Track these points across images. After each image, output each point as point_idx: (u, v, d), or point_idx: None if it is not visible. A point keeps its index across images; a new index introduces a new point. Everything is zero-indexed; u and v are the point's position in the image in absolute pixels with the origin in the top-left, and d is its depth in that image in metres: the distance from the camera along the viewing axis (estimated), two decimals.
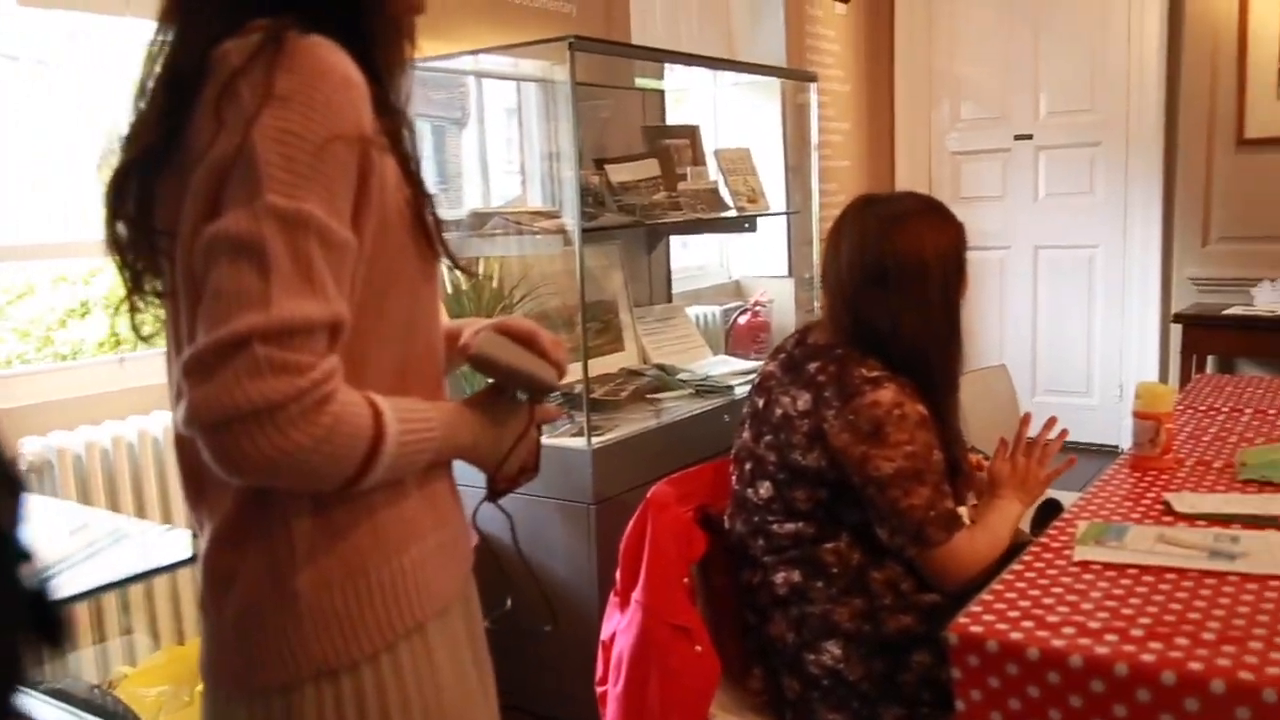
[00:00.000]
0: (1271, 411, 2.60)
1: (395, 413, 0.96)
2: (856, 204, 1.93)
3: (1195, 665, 1.26)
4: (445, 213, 2.99)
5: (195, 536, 1.07)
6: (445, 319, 1.22)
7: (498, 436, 1.14)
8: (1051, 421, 1.99)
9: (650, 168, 3.31)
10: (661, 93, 3.71)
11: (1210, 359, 4.57)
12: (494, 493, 1.20)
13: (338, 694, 0.98)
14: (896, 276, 1.79)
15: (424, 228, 1.02)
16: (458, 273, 2.73)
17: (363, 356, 0.98)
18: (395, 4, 1.04)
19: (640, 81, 3.58)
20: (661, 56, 3.35)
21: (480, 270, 2.91)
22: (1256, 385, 2.93)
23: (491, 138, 3.39)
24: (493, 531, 1.26)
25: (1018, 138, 5.13)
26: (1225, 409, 2.64)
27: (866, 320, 1.80)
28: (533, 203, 3.36)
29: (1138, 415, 2.13)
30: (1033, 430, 1.98)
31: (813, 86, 3.67)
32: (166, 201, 0.95)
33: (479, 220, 2.86)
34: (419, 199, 1.01)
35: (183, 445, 1.02)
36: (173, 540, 1.84)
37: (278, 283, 0.86)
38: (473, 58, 3.01)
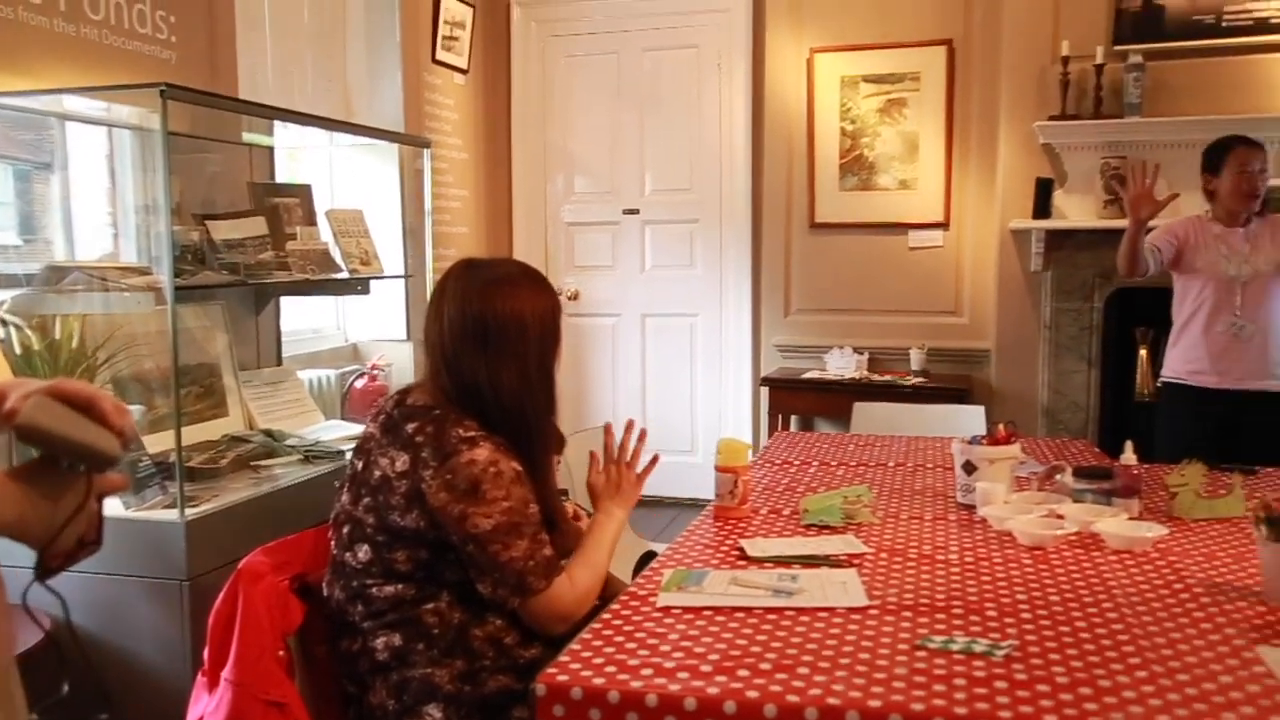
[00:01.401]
0: (833, 463, 2.93)
1: None
2: (458, 267, 1.97)
3: (752, 694, 1.39)
4: (19, 265, 2.73)
5: None
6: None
7: (50, 511, 1.05)
8: (630, 424, 2.14)
9: (257, 225, 3.19)
10: (271, 149, 3.61)
11: (794, 418, 5.07)
12: (46, 571, 1.10)
13: None
14: (497, 336, 1.85)
15: None
16: (28, 331, 2.49)
17: None
18: None
19: (249, 136, 3.46)
20: (261, 111, 3.25)
21: (57, 330, 2.65)
22: (824, 440, 3.29)
23: (83, 186, 3.13)
24: (59, 614, 1.14)
25: (626, 212, 5.47)
26: (797, 462, 2.94)
27: (467, 379, 1.84)
28: (126, 257, 3.13)
29: (718, 469, 2.33)
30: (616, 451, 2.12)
31: (426, 153, 3.72)
32: None
33: (56, 275, 2.62)
34: None
35: None
36: None
37: None
38: (56, 97, 2.77)
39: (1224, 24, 4.30)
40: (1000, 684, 1.41)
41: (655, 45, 5.32)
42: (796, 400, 4.95)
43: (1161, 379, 3.60)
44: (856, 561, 1.99)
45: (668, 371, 5.50)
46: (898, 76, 4.92)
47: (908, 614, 1.69)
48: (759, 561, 2.00)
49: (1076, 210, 4.54)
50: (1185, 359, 3.46)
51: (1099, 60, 4.39)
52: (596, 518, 2.03)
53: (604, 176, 5.50)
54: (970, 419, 3.60)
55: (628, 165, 5.45)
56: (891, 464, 2.91)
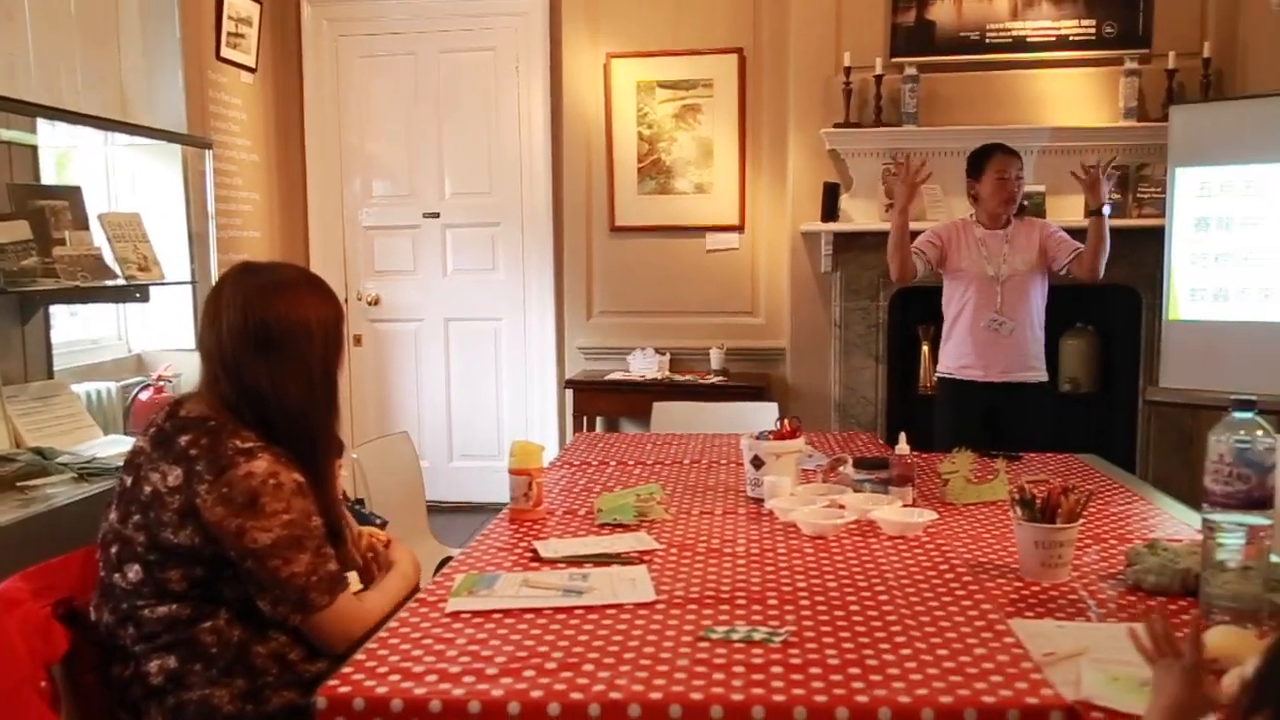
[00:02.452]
0: (630, 462, 2.98)
1: None
2: (235, 271, 1.90)
3: (536, 693, 1.40)
4: None
5: None
6: None
7: None
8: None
9: (19, 230, 2.99)
10: (34, 148, 3.38)
11: (600, 419, 5.12)
12: None
13: None
14: (281, 341, 1.79)
15: None
16: None
17: None
18: None
19: (6, 134, 3.23)
20: (17, 107, 3.04)
21: None
22: (623, 440, 3.34)
23: None
24: None
25: (426, 215, 5.39)
26: (595, 462, 2.98)
27: (249, 386, 1.78)
28: None
29: (512, 472, 2.33)
30: None
31: (208, 154, 3.57)
32: None
33: None
34: None
35: None
36: None
37: None
38: None
39: (987, 41, 4.61)
40: (776, 669, 1.47)
41: (452, 47, 5.26)
42: (600, 402, 5.00)
43: (937, 374, 3.83)
44: (647, 558, 2.03)
45: (472, 376, 5.45)
46: (692, 83, 5.05)
47: (693, 606, 1.74)
48: (551, 562, 2.01)
49: (861, 213, 4.77)
50: (954, 355, 3.69)
51: (878, 71, 4.63)
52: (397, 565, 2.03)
53: (403, 180, 5.40)
54: (764, 415, 3.72)
55: (427, 168, 5.37)
56: (687, 461, 2.98)
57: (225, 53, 4.63)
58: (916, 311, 4.81)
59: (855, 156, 4.76)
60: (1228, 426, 1.82)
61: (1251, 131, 3.81)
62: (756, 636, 1.59)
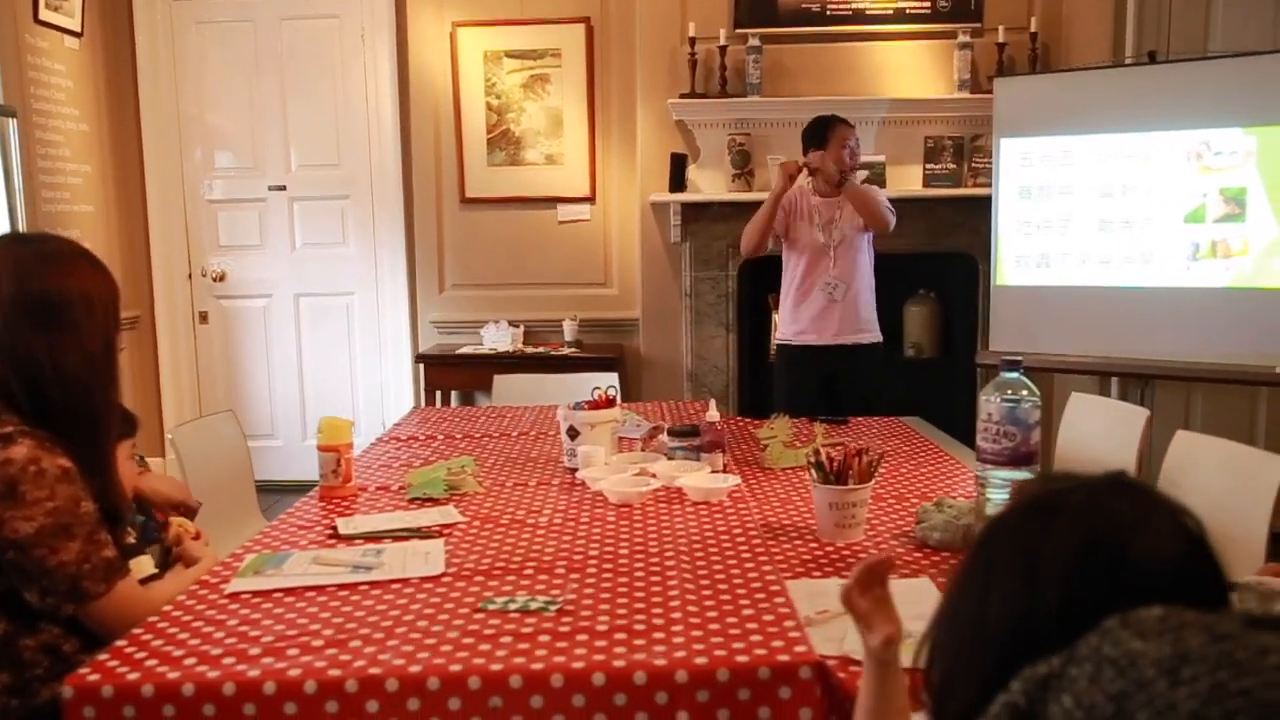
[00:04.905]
0: (459, 436, 2.96)
1: None
2: (5, 242, 1.83)
3: (294, 672, 1.39)
4: None
5: None
6: None
7: None
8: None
9: None
10: None
11: (454, 393, 5.07)
12: None
13: None
14: (61, 313, 1.72)
15: None
16: None
17: None
18: None
19: None
20: None
21: None
22: (458, 414, 3.33)
23: None
24: None
25: (272, 188, 5.24)
26: (423, 437, 2.95)
27: (23, 359, 1.70)
28: None
29: (320, 448, 2.30)
30: None
31: (11, 123, 3.40)
32: None
33: None
34: None
35: None
36: None
37: None
38: None
39: (829, 13, 4.67)
40: (544, 638, 1.49)
41: (293, 14, 5.10)
42: (453, 376, 4.96)
43: (776, 341, 3.90)
44: (447, 531, 2.02)
45: (325, 352, 5.34)
46: (540, 53, 5.01)
47: (480, 578, 1.75)
48: (349, 539, 1.99)
49: (709, 184, 4.81)
50: (791, 321, 3.76)
51: (722, 42, 4.66)
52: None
53: (246, 151, 5.24)
54: (607, 385, 3.73)
55: (272, 140, 5.22)
56: (516, 433, 2.98)
57: (45, 15, 4.40)
58: (766, 280, 4.88)
59: (702, 127, 4.79)
60: (996, 386, 1.90)
61: (1069, 103, 3.96)
62: (533, 606, 1.61)
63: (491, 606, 1.61)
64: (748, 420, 3.28)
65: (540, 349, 4.94)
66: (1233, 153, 3.55)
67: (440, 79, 5.06)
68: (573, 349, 4.94)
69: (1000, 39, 4.55)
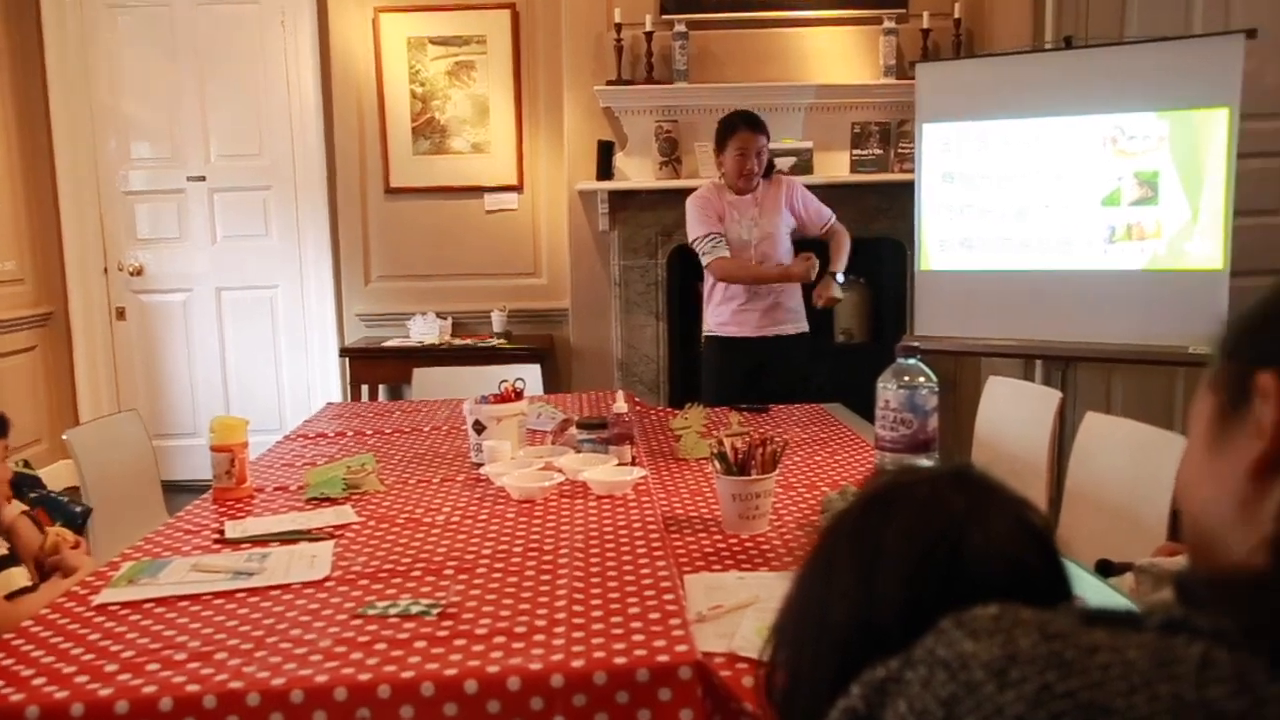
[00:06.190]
0: (369, 432, 2.89)
1: None
2: None
3: (150, 689, 1.32)
4: None
5: None
6: None
7: None
8: None
9: None
10: None
11: (382, 387, 4.99)
12: None
13: None
14: None
15: None
16: None
17: None
18: None
19: None
20: None
21: None
22: (371, 409, 3.25)
23: None
24: None
25: (191, 179, 5.10)
26: (331, 434, 2.88)
27: None
28: None
29: (213, 449, 2.22)
30: None
31: None
32: None
33: None
34: None
35: None
36: None
37: None
38: None
39: None
40: (420, 644, 1.43)
41: None
42: (379, 369, 4.87)
43: (704, 333, 3.86)
44: (340, 533, 1.96)
45: (249, 348, 5.22)
46: (464, 39, 4.92)
47: (364, 582, 1.69)
48: (235, 543, 1.92)
49: (637, 171, 4.76)
50: (715, 314, 3.72)
51: (648, 28, 4.60)
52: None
53: (164, 141, 5.09)
54: (529, 377, 3.68)
55: (190, 129, 5.08)
56: (428, 428, 2.92)
57: None
58: (695, 268, 4.83)
59: (629, 114, 4.74)
60: (894, 373, 1.87)
61: (988, 89, 3.96)
62: (414, 610, 1.55)
63: (371, 612, 1.55)
64: (670, 410, 3.25)
65: (468, 341, 4.87)
66: (1146, 137, 3.57)
67: (363, 66, 4.95)
68: (501, 340, 4.87)
69: (925, 25, 4.54)
